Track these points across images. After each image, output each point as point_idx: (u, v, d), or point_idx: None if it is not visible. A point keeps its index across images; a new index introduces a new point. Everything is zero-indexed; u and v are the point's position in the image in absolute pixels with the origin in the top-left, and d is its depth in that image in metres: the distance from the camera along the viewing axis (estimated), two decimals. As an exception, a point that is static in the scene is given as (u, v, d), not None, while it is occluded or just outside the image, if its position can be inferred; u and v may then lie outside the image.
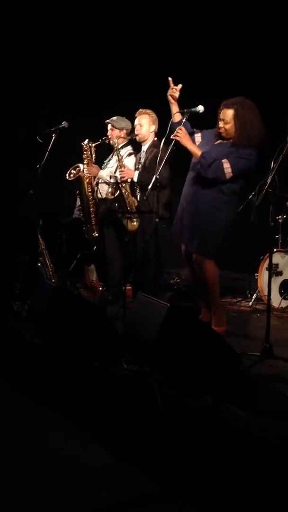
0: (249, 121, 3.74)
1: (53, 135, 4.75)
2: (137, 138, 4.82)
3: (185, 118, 3.85)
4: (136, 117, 4.87)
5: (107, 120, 5.08)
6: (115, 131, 5.03)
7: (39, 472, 2.51)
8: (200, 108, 3.85)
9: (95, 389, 3.15)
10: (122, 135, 4.99)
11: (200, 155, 3.77)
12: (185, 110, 3.86)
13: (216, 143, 3.89)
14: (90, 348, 3.42)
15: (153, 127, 4.78)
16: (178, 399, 2.75)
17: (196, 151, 3.80)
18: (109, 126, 5.08)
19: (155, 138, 4.75)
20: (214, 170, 3.73)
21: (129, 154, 4.99)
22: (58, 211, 5.64)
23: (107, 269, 5.01)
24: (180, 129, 3.80)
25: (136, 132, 4.81)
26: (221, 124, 3.81)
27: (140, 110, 4.85)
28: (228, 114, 3.78)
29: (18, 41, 6.32)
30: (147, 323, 3.12)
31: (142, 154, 4.79)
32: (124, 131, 5.01)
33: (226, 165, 3.72)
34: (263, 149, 3.78)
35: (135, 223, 4.57)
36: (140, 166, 4.75)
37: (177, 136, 3.79)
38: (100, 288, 4.89)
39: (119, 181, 4.71)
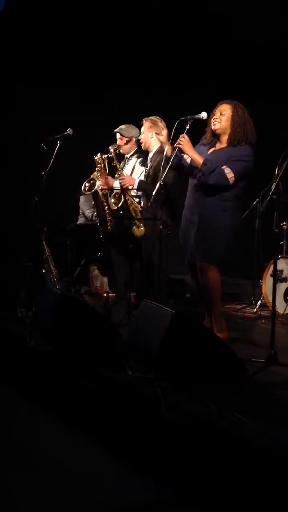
0: (246, 119, 3.81)
1: (58, 142, 4.75)
2: (142, 147, 4.63)
3: (188, 125, 3.84)
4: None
5: (116, 130, 4.94)
6: (124, 140, 4.90)
7: (41, 477, 2.51)
8: (203, 115, 3.84)
9: (99, 396, 3.15)
10: (132, 143, 4.89)
11: (202, 162, 3.77)
12: (188, 117, 3.83)
13: (210, 151, 3.88)
14: (94, 355, 3.42)
15: (154, 134, 4.54)
16: (183, 406, 2.74)
17: (198, 159, 3.78)
18: (118, 136, 4.92)
19: (162, 144, 4.46)
20: (216, 177, 3.72)
21: (141, 163, 4.80)
22: (62, 218, 5.65)
23: (114, 277, 4.99)
24: (183, 136, 3.79)
25: (140, 141, 4.64)
26: (217, 115, 3.83)
27: (145, 118, 4.61)
28: (227, 107, 3.83)
29: (20, 44, 6.35)
30: (152, 330, 3.12)
31: (148, 163, 4.62)
32: (134, 139, 4.88)
33: (227, 170, 3.71)
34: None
35: (142, 228, 4.49)
36: (145, 175, 4.59)
37: (180, 144, 3.80)
38: (105, 295, 4.89)
39: (119, 189, 4.63)
